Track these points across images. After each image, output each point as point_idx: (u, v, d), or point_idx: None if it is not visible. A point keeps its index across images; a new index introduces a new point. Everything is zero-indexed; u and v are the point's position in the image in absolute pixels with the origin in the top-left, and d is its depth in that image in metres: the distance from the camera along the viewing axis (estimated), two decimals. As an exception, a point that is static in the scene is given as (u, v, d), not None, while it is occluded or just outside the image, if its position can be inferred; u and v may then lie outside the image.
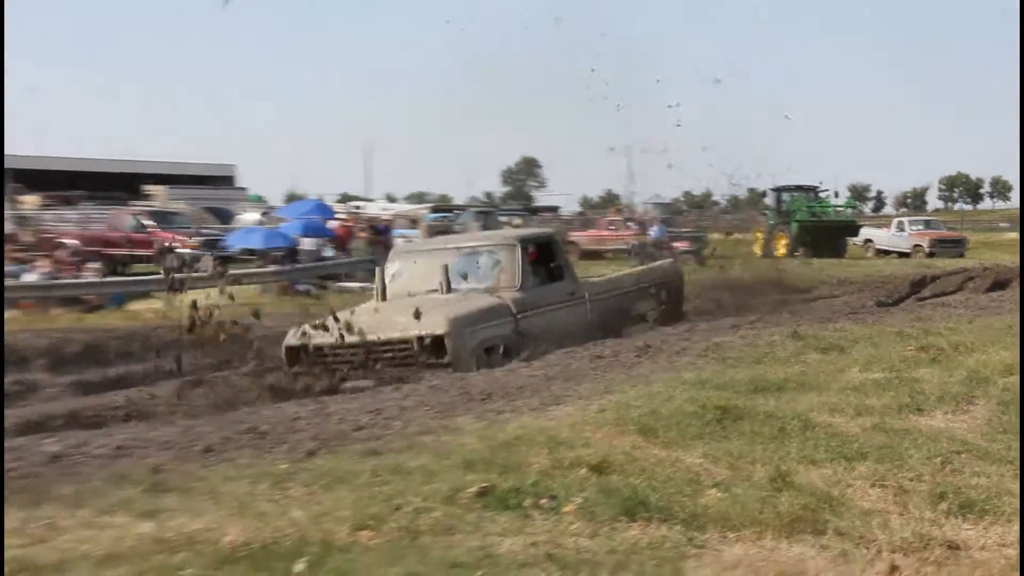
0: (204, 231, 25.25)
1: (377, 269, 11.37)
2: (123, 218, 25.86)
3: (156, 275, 17.18)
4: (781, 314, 12.38)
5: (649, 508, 3.88)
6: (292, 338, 9.49)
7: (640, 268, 14.09)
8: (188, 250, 21.62)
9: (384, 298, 10.41)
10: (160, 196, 31.42)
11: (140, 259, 23.02)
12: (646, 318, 11.68)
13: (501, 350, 9.51)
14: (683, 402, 5.75)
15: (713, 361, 7.79)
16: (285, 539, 3.59)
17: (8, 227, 20.98)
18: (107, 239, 23.79)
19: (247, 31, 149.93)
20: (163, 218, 25.67)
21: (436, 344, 9.03)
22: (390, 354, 9.15)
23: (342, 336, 9.13)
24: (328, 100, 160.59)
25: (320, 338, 9.29)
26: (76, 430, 6.65)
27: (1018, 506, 3.90)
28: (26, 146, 34.32)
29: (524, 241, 10.79)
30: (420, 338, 9.04)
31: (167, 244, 21.76)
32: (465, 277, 10.40)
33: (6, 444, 5.49)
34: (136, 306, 16.41)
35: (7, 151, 27.82)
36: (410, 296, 10.01)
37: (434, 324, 9.10)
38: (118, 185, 34.99)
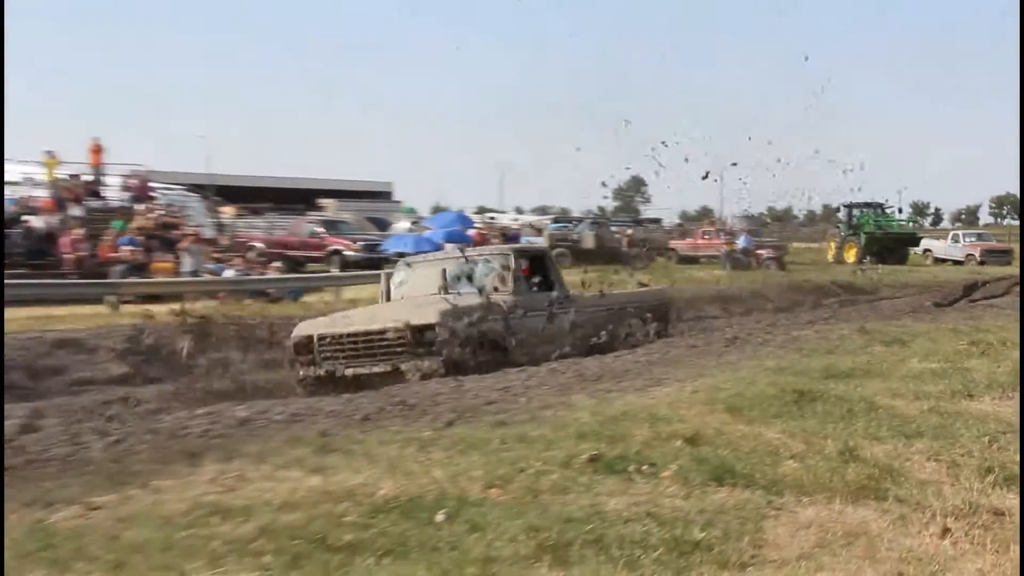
0: (365, 237, 28.91)
1: (383, 275, 12.11)
2: (301, 226, 29.84)
3: (326, 273, 22.88)
4: (850, 312, 13.15)
5: (735, 475, 4.42)
6: (299, 331, 10.26)
7: (633, 291, 14.31)
8: (352, 253, 26.20)
9: (388, 300, 11.24)
10: (330, 208, 35.72)
11: (314, 260, 26.80)
12: (635, 335, 11.90)
13: (480, 344, 9.87)
14: (765, 386, 6.39)
15: (791, 351, 8.70)
16: (428, 494, 4.21)
17: (209, 232, 24.24)
18: (287, 243, 27.49)
19: (408, 62, 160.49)
20: (332, 226, 29.43)
21: (427, 333, 9.51)
22: (386, 343, 9.64)
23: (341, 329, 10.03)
24: (469, 122, 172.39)
25: (324, 328, 10.13)
26: (261, 399, 7.74)
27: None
28: (228, 167, 39.33)
29: (518, 252, 11.59)
30: (414, 327, 9.52)
31: (335, 248, 26.65)
32: (464, 282, 10.89)
33: (204, 409, 6.51)
34: (309, 298, 19.44)
35: (217, 171, 36.05)
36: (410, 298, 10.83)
37: (426, 315, 9.67)
38: (297, 199, 40.79)
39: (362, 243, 27.34)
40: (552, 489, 4.25)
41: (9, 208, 21.03)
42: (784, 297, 17.45)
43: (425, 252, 18.05)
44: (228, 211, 30.85)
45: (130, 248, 20.09)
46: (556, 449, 4.83)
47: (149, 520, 3.97)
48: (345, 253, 26.26)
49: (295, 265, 25.25)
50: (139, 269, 19.66)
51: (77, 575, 3.42)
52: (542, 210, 76.86)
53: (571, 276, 14.32)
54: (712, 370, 7.53)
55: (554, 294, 11.17)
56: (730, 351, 9.03)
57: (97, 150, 24.91)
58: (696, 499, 4.14)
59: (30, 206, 21.57)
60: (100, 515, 4.08)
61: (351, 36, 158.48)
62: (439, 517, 3.87)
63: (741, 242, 33.07)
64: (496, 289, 10.60)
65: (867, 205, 38.94)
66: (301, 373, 9.93)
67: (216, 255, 21.64)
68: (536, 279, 11.30)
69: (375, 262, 22.30)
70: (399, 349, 9.57)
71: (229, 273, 20.18)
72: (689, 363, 8.28)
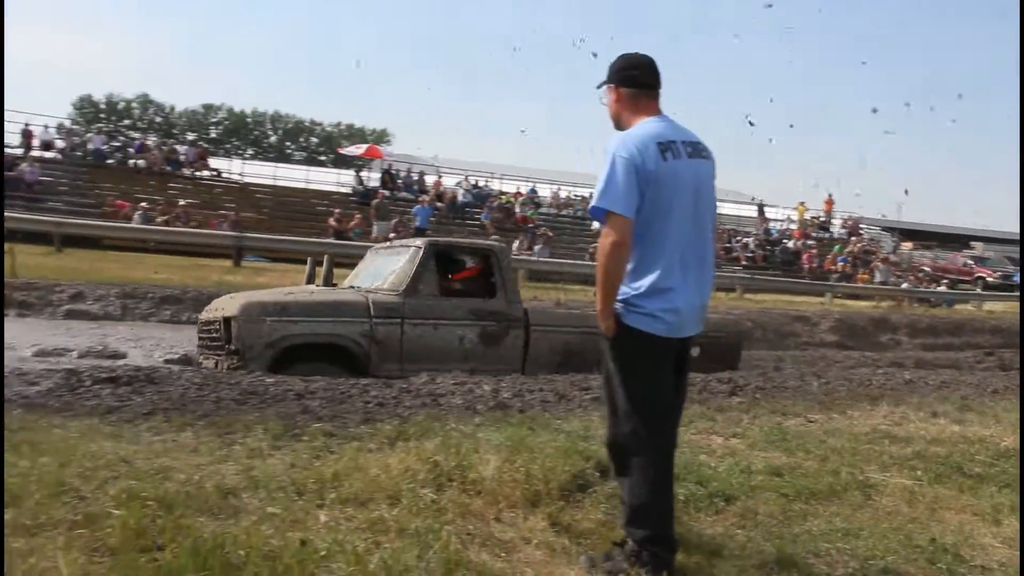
0: (1003, 270, 40.53)
1: (309, 259, 10.55)
2: (957, 259, 42.49)
3: (972, 291, 35.00)
4: None
5: None
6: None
7: None
8: (991, 279, 38.52)
9: (314, 285, 9.66)
10: (979, 248, 46.23)
11: (964, 282, 38.15)
12: None
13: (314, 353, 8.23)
14: None
15: None
16: None
17: (894, 258, 40.77)
18: (946, 269, 40.02)
19: None
20: (980, 260, 41.94)
21: (231, 327, 8.14)
22: (213, 335, 8.53)
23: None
24: None
25: (203, 314, 9.15)
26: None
27: None
28: (914, 215, 51.93)
29: (434, 246, 9.19)
30: (225, 320, 8.25)
31: (979, 275, 39.26)
32: (372, 275, 9.33)
33: (882, 370, 9.34)
34: (960, 307, 30.64)
35: (904, 218, 47.16)
36: (321, 287, 9.30)
37: (232, 307, 8.29)
38: (956, 239, 49.78)
39: (1000, 273, 39.69)
40: None
41: (773, 235, 38.63)
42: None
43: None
44: (907, 245, 45.68)
45: (843, 264, 35.38)
46: None
47: (843, 434, 6.05)
48: (987, 279, 38.62)
49: (950, 284, 35.81)
50: (847, 278, 33.69)
51: (800, 458, 5.29)
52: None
53: None
54: None
55: (493, 303, 9.02)
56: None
57: (829, 202, 43.57)
58: None
59: (786, 233, 39.97)
60: (813, 426, 6.43)
61: None
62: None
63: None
64: (387, 286, 8.82)
65: None
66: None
67: (897, 273, 35.98)
68: (471, 281, 9.48)
69: (1007, 287, 36.02)
70: (219, 342, 8.38)
71: (905, 285, 33.10)
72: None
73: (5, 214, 22.69)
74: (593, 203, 3.40)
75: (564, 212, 37.04)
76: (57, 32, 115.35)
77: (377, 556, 3.20)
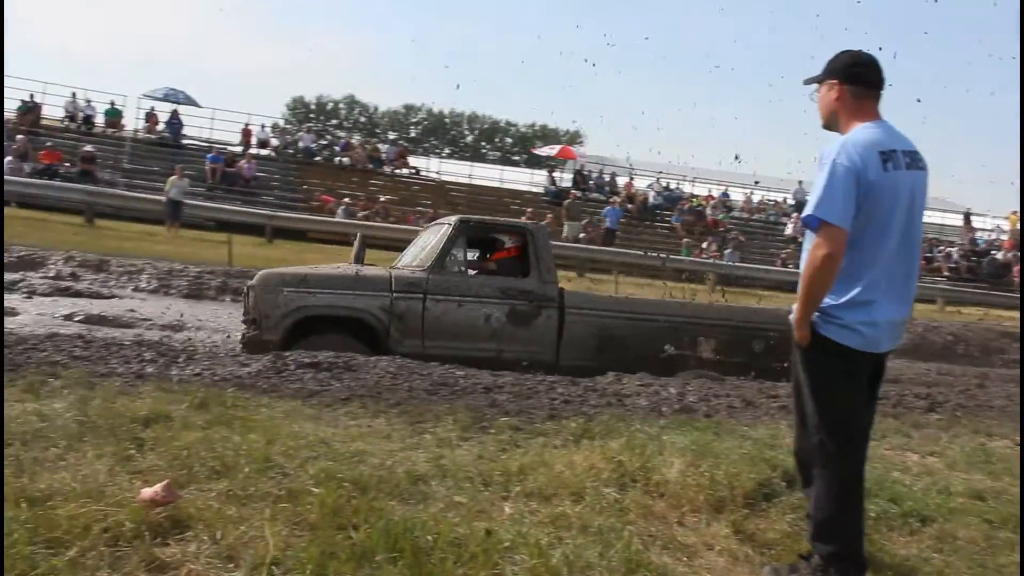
0: None
1: (358, 236, 10.54)
2: None
3: None
4: None
5: None
6: None
7: (691, 303, 9.99)
8: None
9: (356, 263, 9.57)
10: None
11: None
12: (685, 364, 8.57)
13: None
14: None
15: None
16: None
17: None
18: None
19: None
20: None
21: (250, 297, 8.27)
22: (244, 303, 8.65)
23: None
24: None
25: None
26: None
27: None
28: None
29: (465, 223, 8.89)
30: (247, 288, 8.41)
31: None
32: (414, 254, 9.22)
33: None
34: None
35: None
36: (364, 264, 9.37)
37: (256, 278, 8.35)
38: None
39: None
40: None
41: (980, 246, 36.45)
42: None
43: None
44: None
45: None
46: None
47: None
48: None
49: None
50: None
51: (1007, 483, 4.87)
52: None
53: None
54: None
55: (525, 283, 8.63)
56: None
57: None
58: None
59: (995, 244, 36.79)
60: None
61: None
62: None
63: None
64: (416, 262, 8.81)
65: None
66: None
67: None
68: (506, 261, 9.15)
69: None
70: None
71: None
72: None
73: (225, 207, 24.51)
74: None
75: (756, 216, 36.12)
76: (273, 41, 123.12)
77: (559, 551, 3.26)
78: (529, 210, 29.45)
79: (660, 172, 37.93)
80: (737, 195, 38.06)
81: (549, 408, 6.07)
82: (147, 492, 3.31)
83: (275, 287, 8.12)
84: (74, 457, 3.81)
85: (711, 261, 27.10)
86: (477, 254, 9.35)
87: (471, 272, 8.79)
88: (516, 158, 76.12)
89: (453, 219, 9.01)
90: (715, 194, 37.10)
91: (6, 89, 29.36)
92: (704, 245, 29.36)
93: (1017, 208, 38.59)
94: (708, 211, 34.24)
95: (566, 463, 4.40)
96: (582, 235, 27.83)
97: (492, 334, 8.39)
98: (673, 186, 37.26)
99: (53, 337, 6.72)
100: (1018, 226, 37.37)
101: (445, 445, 4.73)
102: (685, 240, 29.55)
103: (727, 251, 28.71)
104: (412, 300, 8.26)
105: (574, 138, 76.05)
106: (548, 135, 79.79)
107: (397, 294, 8.23)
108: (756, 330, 8.74)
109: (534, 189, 35.93)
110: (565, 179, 36.24)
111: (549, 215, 28.91)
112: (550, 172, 37.62)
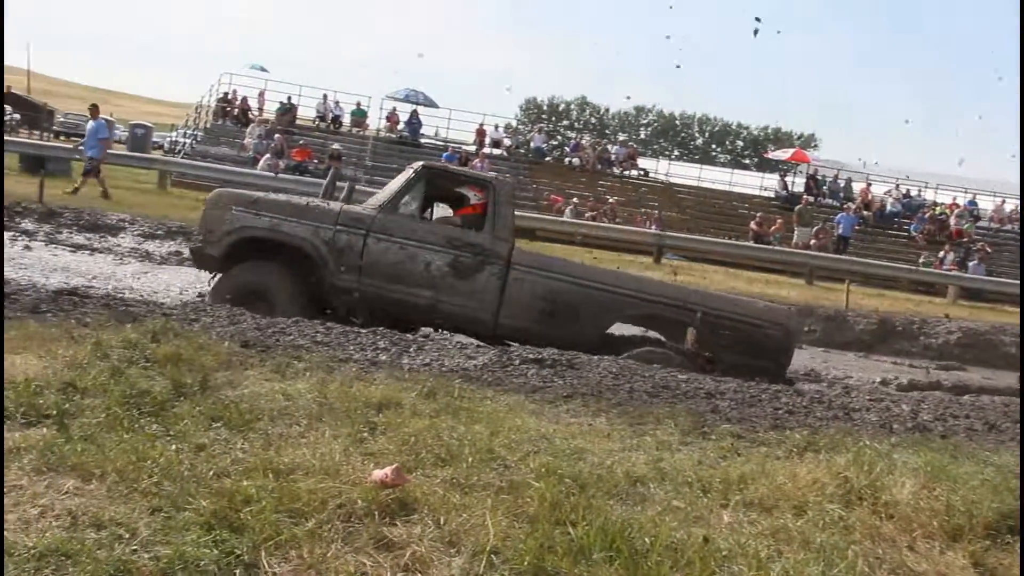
0: None
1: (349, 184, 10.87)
2: None
3: None
4: None
5: None
6: None
7: (655, 279, 9.85)
8: None
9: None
10: None
11: None
12: (636, 344, 8.18)
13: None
14: None
15: None
16: None
17: None
18: None
19: None
20: None
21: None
22: None
23: None
24: None
25: None
26: None
27: None
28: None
29: (427, 168, 8.98)
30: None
31: None
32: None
33: None
34: None
35: None
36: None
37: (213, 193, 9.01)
38: None
39: None
40: None
41: None
42: None
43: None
44: None
45: None
46: None
47: None
48: None
49: None
50: None
51: None
52: None
53: None
54: None
55: (474, 236, 8.41)
56: None
57: None
58: None
59: None
60: None
61: None
62: None
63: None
64: (372, 203, 8.78)
65: None
66: None
67: None
68: (462, 212, 9.02)
69: None
70: None
71: None
72: None
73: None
74: None
75: (1007, 227, 33.23)
76: (508, 46, 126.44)
77: (779, 565, 3.15)
78: (759, 214, 28.63)
79: (899, 178, 35.78)
80: (986, 203, 35.21)
81: (772, 417, 5.88)
82: (378, 474, 3.49)
83: (225, 204, 8.50)
84: (313, 435, 4.06)
85: (953, 273, 25.29)
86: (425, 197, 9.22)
87: (425, 217, 8.95)
88: (747, 161, 74.24)
89: (417, 166, 9.01)
90: (960, 202, 34.52)
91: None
92: (940, 255, 27.37)
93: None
94: (951, 220, 31.87)
95: (789, 475, 4.23)
96: (812, 242, 26.69)
97: (431, 282, 8.30)
98: (914, 193, 34.99)
99: (298, 322, 7.20)
100: None
101: (665, 448, 4.68)
102: (924, 255, 27.69)
103: (971, 263, 26.62)
104: (354, 235, 8.32)
105: (808, 142, 73.26)
106: (781, 138, 77.33)
107: (340, 227, 8.33)
108: (725, 320, 8.28)
109: (764, 193, 34.88)
110: (797, 184, 34.91)
111: (779, 220, 27.98)
112: (782, 176, 36.36)
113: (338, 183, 10.84)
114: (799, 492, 4.02)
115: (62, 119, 48.02)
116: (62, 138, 40.73)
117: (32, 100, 38.85)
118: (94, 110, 20.23)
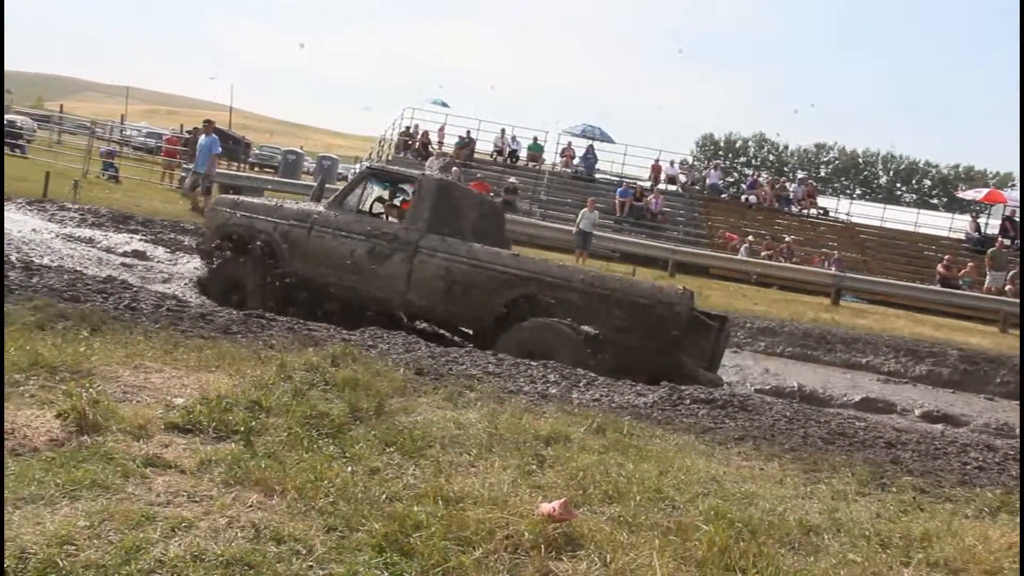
0: None
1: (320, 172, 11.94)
2: None
3: None
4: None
5: None
6: None
7: (537, 259, 9.58)
8: None
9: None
10: None
11: None
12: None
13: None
14: None
15: None
16: None
17: None
18: None
19: None
20: None
21: None
22: None
23: None
24: None
25: None
26: None
27: None
28: None
29: (371, 170, 10.54)
30: None
31: None
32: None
33: None
34: None
35: None
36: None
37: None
38: None
39: None
40: None
41: None
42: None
43: None
44: None
45: None
46: None
47: None
48: None
49: None
50: None
51: None
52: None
53: None
54: None
55: (391, 226, 9.55)
56: None
57: None
58: None
59: None
60: None
61: None
62: None
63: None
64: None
65: None
66: None
67: None
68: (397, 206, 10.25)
69: None
70: None
71: None
72: None
73: (630, 239, 25.37)
74: None
75: None
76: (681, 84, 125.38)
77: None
78: (947, 256, 27.08)
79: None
80: None
81: (960, 472, 5.51)
82: (546, 507, 3.49)
83: (217, 207, 10.23)
84: (483, 465, 4.12)
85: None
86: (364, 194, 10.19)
87: (365, 212, 9.90)
88: (935, 201, 70.50)
89: (365, 167, 10.33)
90: None
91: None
92: None
93: None
94: None
95: (979, 536, 3.95)
96: (1008, 287, 24.94)
97: (354, 268, 9.21)
98: None
99: (470, 352, 7.34)
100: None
101: (840, 498, 4.47)
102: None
103: None
104: (301, 229, 9.48)
105: (1004, 181, 68.83)
106: (974, 177, 73.03)
107: (293, 222, 9.53)
108: (612, 298, 8.52)
109: (954, 235, 32.93)
110: (992, 225, 32.76)
111: (970, 263, 26.37)
112: (974, 217, 34.25)
113: (327, 186, 12.50)
114: (991, 557, 3.74)
115: (257, 151, 51.21)
116: (255, 168, 43.35)
117: (232, 134, 41.68)
118: (208, 125, 20.30)
